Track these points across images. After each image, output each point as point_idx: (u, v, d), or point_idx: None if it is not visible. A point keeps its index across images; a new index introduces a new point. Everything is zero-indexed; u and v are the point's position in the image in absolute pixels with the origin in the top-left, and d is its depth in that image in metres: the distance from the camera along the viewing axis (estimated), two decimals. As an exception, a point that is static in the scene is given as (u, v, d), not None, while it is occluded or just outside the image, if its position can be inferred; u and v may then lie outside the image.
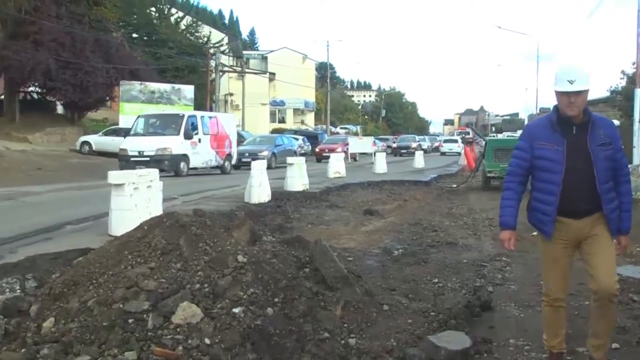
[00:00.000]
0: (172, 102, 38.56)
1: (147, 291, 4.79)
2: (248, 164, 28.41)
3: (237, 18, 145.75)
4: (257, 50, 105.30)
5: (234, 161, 27.78)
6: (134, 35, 49.78)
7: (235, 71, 60.01)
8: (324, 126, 75.40)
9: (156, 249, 5.24)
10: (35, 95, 38.78)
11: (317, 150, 40.30)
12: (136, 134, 24.61)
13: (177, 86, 40.63)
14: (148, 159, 22.39)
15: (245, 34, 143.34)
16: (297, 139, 44.69)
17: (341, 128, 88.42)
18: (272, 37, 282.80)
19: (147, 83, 38.80)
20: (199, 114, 26.74)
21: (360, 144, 42.98)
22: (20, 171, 23.53)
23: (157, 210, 8.76)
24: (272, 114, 77.31)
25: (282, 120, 79.21)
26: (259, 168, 14.47)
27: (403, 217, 13.33)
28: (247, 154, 30.25)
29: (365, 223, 12.45)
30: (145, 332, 4.49)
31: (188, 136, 23.95)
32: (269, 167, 27.84)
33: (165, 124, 24.71)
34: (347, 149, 38.75)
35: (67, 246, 7.59)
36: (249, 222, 6.92)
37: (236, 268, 5.12)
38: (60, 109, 41.12)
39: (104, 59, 35.92)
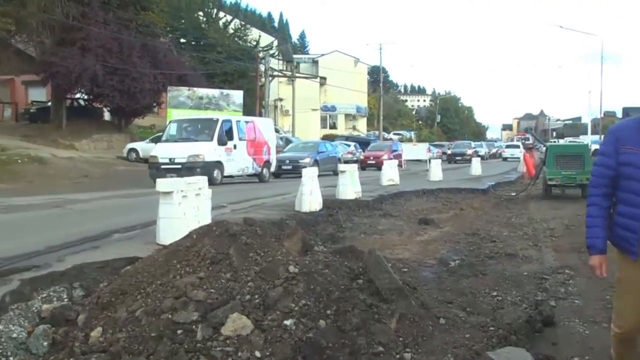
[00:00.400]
0: (221, 108, 38.91)
1: (196, 301, 4.84)
2: (289, 172, 29.08)
3: (286, 21, 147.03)
4: (308, 53, 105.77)
5: (272, 169, 27.23)
6: (182, 40, 50.49)
7: (285, 75, 60.43)
8: (377, 132, 75.34)
9: (205, 259, 5.29)
10: (82, 102, 39.50)
11: (361, 157, 39.90)
12: (167, 140, 24.14)
13: (225, 91, 41.00)
14: (179, 166, 21.98)
15: (295, 37, 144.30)
16: (348, 145, 44.67)
17: (394, 134, 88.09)
18: (323, 40, 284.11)
19: (195, 89, 39.26)
20: (234, 118, 26.12)
21: (414, 150, 42.76)
22: (67, 178, 24.08)
23: (205, 218, 8.83)
24: (323, 120, 77.54)
25: (333, 126, 79.35)
26: (309, 176, 14.49)
27: (460, 227, 13.19)
28: (287, 161, 29.98)
29: (420, 233, 12.36)
30: (194, 343, 4.52)
31: (222, 142, 23.36)
32: None
33: (198, 130, 24.17)
34: (393, 155, 38.28)
35: (114, 255, 7.71)
36: (300, 231, 6.94)
37: (287, 279, 5.13)
38: (107, 116, 41.89)
39: (151, 64, 36.46)
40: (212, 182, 21.80)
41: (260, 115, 46.25)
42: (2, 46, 32.29)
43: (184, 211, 8.64)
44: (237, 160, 24.25)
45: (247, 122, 26.15)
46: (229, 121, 24.75)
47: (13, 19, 31.48)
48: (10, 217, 12.71)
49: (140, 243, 9.03)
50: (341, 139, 53.60)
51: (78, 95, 38.47)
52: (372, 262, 6.14)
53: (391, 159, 36.27)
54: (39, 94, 41.95)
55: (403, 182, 23.96)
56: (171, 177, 20.80)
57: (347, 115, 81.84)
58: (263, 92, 46.81)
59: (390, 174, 23.57)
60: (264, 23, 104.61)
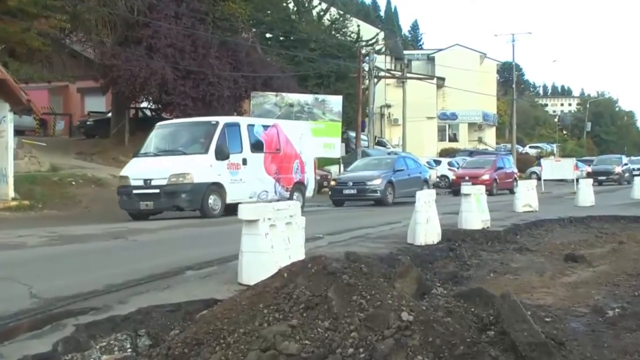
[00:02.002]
0: (315, 117, 39.31)
1: (287, 355, 4.85)
2: (353, 198, 28.81)
3: (395, 9, 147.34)
4: (421, 49, 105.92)
5: (309, 192, 25.06)
6: (268, 35, 51.23)
7: (393, 76, 60.59)
8: (508, 145, 74.29)
9: (298, 302, 5.30)
10: (148, 112, 40.70)
11: (453, 177, 38.82)
12: (146, 154, 21.85)
13: (321, 97, 41.42)
14: (157, 190, 20.02)
15: (405, 28, 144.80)
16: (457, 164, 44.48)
17: (530, 147, 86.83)
18: (441, 32, 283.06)
19: (283, 94, 39.81)
20: (244, 121, 23.58)
21: (557, 167, 41.83)
22: (132, 204, 24.77)
23: (298, 253, 8.88)
24: (441, 130, 77.28)
25: (454, 138, 78.95)
26: (425, 200, 14.38)
27: (619, 265, 12.79)
28: (350, 184, 28.68)
29: (566, 272, 12.06)
30: (284, 407, 4.53)
31: (223, 155, 20.84)
32: (382, 203, 27.83)
33: (190, 138, 21.99)
34: (499, 175, 37.31)
35: (187, 296, 7.83)
36: (414, 269, 6.88)
37: (400, 328, 5.08)
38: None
39: (231, 65, 37.07)
40: (205, 214, 20.12)
41: (363, 125, 46.48)
42: (54, 47, 33.31)
43: (271, 244, 8.70)
44: (248, 181, 21.77)
45: (266, 126, 23.63)
46: (236, 125, 22.34)
47: (67, 15, 32.30)
48: (64, 250, 13.15)
49: (219, 282, 9.14)
50: (463, 154, 53.20)
51: (144, 105, 39.53)
52: (507, 309, 6.03)
53: (495, 179, 35.46)
54: (97, 104, 43.42)
55: (543, 207, 23.51)
56: (146, 206, 20.34)
57: (471, 125, 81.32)
58: (367, 97, 47.05)
59: (526, 197, 23.18)
60: (368, 12, 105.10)
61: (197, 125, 22.60)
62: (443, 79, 69.15)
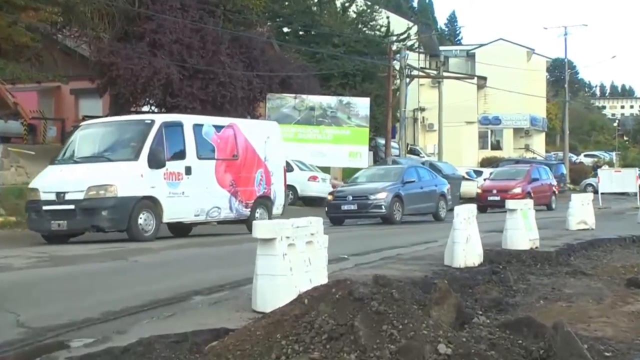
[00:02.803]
0: (339, 122, 39.43)
1: (307, 393, 4.84)
2: (353, 215, 28.24)
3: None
4: (460, 44, 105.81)
5: (277, 209, 23.17)
6: (285, 29, 51.33)
7: (428, 76, 60.56)
8: (560, 153, 74.05)
9: (321, 333, 5.29)
10: (151, 116, 40.71)
11: (478, 191, 37.49)
12: (62, 161, 20.12)
13: (345, 99, 41.49)
14: (72, 207, 18.45)
15: (442, 21, 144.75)
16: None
17: (586, 156, 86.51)
18: (482, 25, 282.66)
19: (303, 96, 39.92)
20: (188, 119, 21.58)
21: (618, 179, 41.58)
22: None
23: (320, 276, 8.89)
24: (482, 137, 77.12)
25: (497, 146, 78.81)
26: (465, 216, 14.34)
27: (689, 292, 12.68)
28: (350, 198, 27.66)
29: (629, 300, 11.95)
30: None
31: (157, 163, 19.14)
32: (389, 222, 27.44)
33: (117, 141, 20.26)
34: (533, 188, 36.42)
35: (194, 325, 7.83)
36: (453, 295, 6.86)
37: (436, 363, 5.06)
38: (184, 134, 43.03)
39: (244, 64, 37.15)
40: (134, 236, 18.64)
41: (394, 131, 46.47)
42: (45, 43, 33.36)
43: (290, 266, 8.71)
44: (193, 195, 20.15)
45: (219, 126, 21.87)
46: (177, 125, 20.61)
47: (59, 7, 32.34)
48: (57, 272, 13.22)
49: (230, 309, 9.15)
50: (508, 163, 52.94)
51: (146, 108, 39.58)
52: (559, 341, 6.00)
53: (528, 192, 34.83)
54: (94, 107, 43.35)
55: (601, 225, 23.40)
56: (58, 226, 18.68)
57: (516, 130, 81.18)
58: (398, 99, 47.09)
59: (581, 213, 23.06)
60: (399, 3, 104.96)
61: (128, 125, 20.99)
62: (485, 79, 69.06)
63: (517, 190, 34.97)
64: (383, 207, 27.28)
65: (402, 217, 28.10)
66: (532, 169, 39.77)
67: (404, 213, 28.25)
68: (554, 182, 39.79)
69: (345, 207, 27.67)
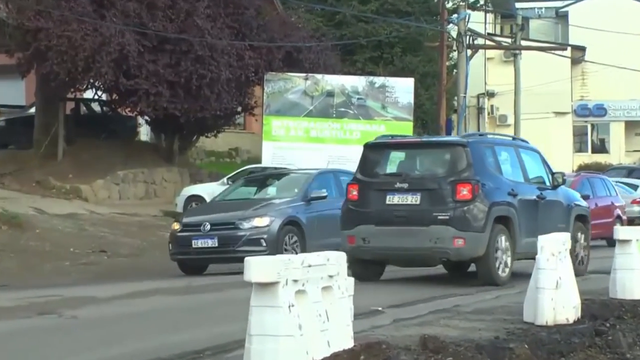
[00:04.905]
0: (370, 114, 39.31)
1: None
2: (213, 255, 24.08)
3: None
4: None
5: None
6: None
7: (499, 46, 60.39)
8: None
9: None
10: (96, 108, 41.28)
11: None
12: None
13: (379, 80, 41.32)
14: None
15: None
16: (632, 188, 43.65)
17: None
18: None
19: (318, 76, 39.77)
20: None
21: None
22: (68, 257, 24.90)
23: (343, 337, 8.82)
24: (579, 134, 76.56)
25: (601, 147, 78.15)
26: (554, 250, 14.26)
27: None
28: (207, 227, 24.58)
29: None
30: None
31: None
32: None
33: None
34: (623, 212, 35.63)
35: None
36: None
37: None
38: (144, 133, 43.07)
39: (232, 30, 37.22)
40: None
41: (449, 127, 46.37)
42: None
43: (299, 322, 8.66)
44: None
45: None
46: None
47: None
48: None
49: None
50: (618, 172, 52.64)
51: (88, 94, 39.59)
52: None
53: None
54: (13, 92, 43.58)
55: None
56: None
57: (630, 125, 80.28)
58: (455, 80, 46.94)
59: None
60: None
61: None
62: (583, 49, 68.80)
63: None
64: (263, 242, 23.94)
65: (305, 246, 24.73)
66: (579, 180, 37.50)
67: (306, 249, 24.10)
68: (621, 202, 38.51)
69: (199, 244, 24.32)
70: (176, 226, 25.20)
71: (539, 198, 22.35)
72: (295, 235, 24.78)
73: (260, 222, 24.26)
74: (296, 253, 21.62)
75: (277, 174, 31.35)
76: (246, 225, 24.25)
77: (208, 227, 24.37)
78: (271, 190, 27.97)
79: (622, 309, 15.41)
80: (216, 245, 24.10)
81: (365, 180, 20.91)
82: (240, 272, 8.73)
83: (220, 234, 24.16)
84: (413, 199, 20.15)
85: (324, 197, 25.93)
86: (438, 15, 46.95)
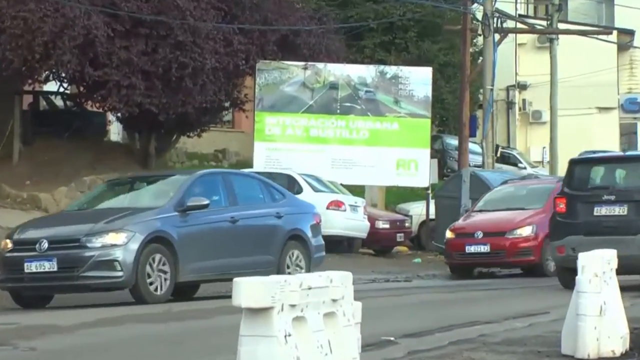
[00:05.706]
0: (380, 110, 39.30)
1: None
2: (49, 284, 22.03)
3: None
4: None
5: None
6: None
7: (532, 30, 60.44)
8: None
9: None
10: (58, 102, 41.04)
11: (448, 235, 33.27)
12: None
13: (391, 70, 41.41)
14: None
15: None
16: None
17: None
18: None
19: (319, 65, 39.79)
20: None
21: None
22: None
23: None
24: (627, 132, 76.46)
25: (655, 149, 78.24)
26: (597, 270, 14.07)
27: None
28: (45, 246, 22.37)
29: None
30: None
31: None
32: (137, 296, 21.98)
33: None
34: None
35: None
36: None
37: None
38: (114, 132, 43.17)
39: (219, 11, 37.27)
40: None
41: (473, 126, 46.31)
42: None
43: (297, 354, 8.52)
44: None
45: None
46: None
47: None
48: None
49: None
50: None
51: (49, 87, 39.62)
52: None
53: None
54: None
55: None
56: None
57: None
58: (480, 69, 46.91)
59: None
60: None
61: None
62: (632, 33, 68.93)
63: (525, 230, 33.35)
64: (117, 264, 21.97)
65: (175, 282, 23.17)
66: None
67: (180, 279, 23.27)
68: None
69: (32, 267, 22.25)
70: (6, 244, 23.31)
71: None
72: (163, 256, 22.67)
73: (115, 238, 22.18)
74: (163, 280, 22.39)
75: (150, 176, 30.48)
76: (95, 242, 22.16)
77: (45, 245, 22.26)
78: (137, 197, 25.95)
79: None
80: (55, 269, 21.98)
81: (572, 193, 26.38)
82: (228, 296, 8.61)
83: (61, 255, 22.07)
84: (620, 210, 25.75)
85: (205, 207, 23.95)
86: (458, -5, 46.95)
